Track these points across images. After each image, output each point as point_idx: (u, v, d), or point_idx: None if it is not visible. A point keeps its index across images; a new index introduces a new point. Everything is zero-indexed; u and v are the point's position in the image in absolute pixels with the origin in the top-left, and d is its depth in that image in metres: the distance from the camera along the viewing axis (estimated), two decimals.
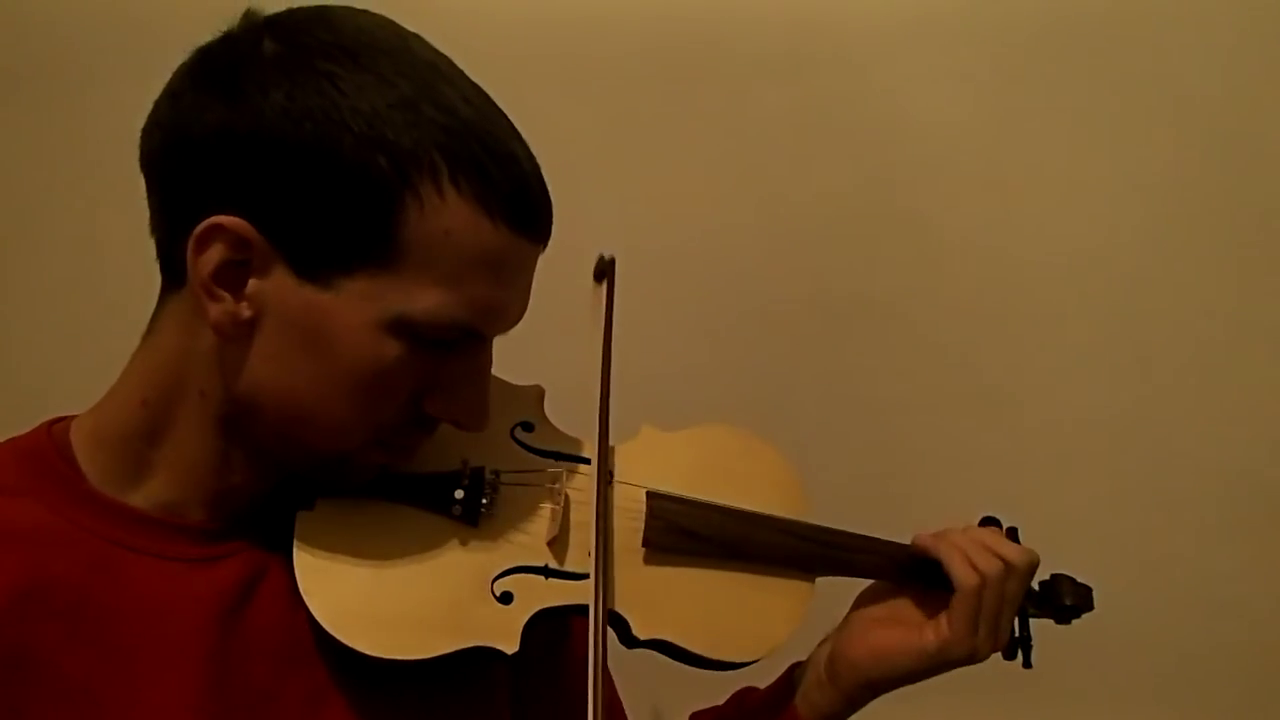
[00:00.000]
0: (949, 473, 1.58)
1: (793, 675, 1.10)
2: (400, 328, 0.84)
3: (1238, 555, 1.61)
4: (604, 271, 1.06)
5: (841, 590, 1.11)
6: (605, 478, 0.98)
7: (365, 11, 0.88)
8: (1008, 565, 1.02)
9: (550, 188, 0.91)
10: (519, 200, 0.86)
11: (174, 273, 0.88)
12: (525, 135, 0.89)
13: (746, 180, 1.64)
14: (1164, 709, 1.61)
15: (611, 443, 1.03)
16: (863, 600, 1.11)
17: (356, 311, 0.83)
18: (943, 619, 1.03)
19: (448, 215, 0.83)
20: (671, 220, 1.62)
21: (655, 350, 1.58)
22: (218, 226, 0.82)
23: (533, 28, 1.63)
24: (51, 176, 1.58)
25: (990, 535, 1.06)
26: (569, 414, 1.06)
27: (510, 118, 0.89)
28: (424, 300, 0.84)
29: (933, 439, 1.62)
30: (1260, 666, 1.61)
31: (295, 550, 0.91)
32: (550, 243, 0.92)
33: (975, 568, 1.02)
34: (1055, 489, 1.58)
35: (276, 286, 0.84)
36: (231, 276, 0.83)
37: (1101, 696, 1.62)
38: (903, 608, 1.08)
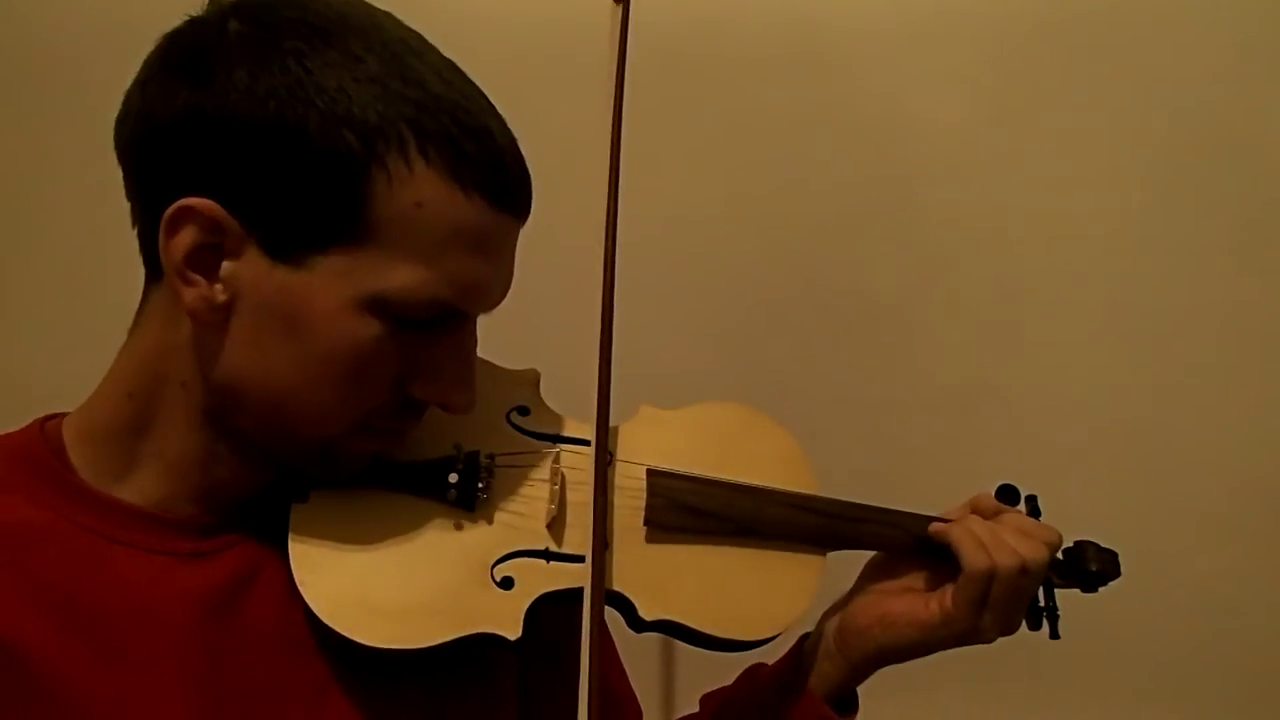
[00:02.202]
0: (948, 472, 1.56)
1: (802, 649, 1.08)
2: (377, 306, 0.83)
3: (1238, 555, 1.59)
4: None
5: (852, 563, 1.09)
6: (603, 451, 0.95)
7: None
8: (1024, 563, 0.99)
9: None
10: (493, 173, 0.85)
11: (154, 264, 0.87)
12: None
13: (746, 179, 1.64)
14: (1163, 708, 1.60)
15: (611, 423, 1.01)
16: (872, 569, 1.09)
17: (332, 291, 0.82)
18: (947, 594, 1.01)
19: (417, 188, 0.81)
20: (671, 219, 1.62)
21: (655, 349, 1.58)
22: (188, 209, 0.81)
23: (533, 27, 1.63)
24: (51, 176, 1.60)
25: (1011, 528, 1.02)
26: (566, 399, 1.04)
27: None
28: (399, 277, 0.82)
29: (932, 438, 1.61)
30: (1260, 666, 1.60)
31: (290, 542, 0.90)
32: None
33: (989, 554, 0.99)
34: (1055, 488, 1.56)
35: (250, 268, 0.83)
36: (204, 260, 0.83)
37: (1101, 695, 1.60)
38: (914, 580, 1.06)
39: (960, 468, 1.56)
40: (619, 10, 1.04)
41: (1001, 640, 1.04)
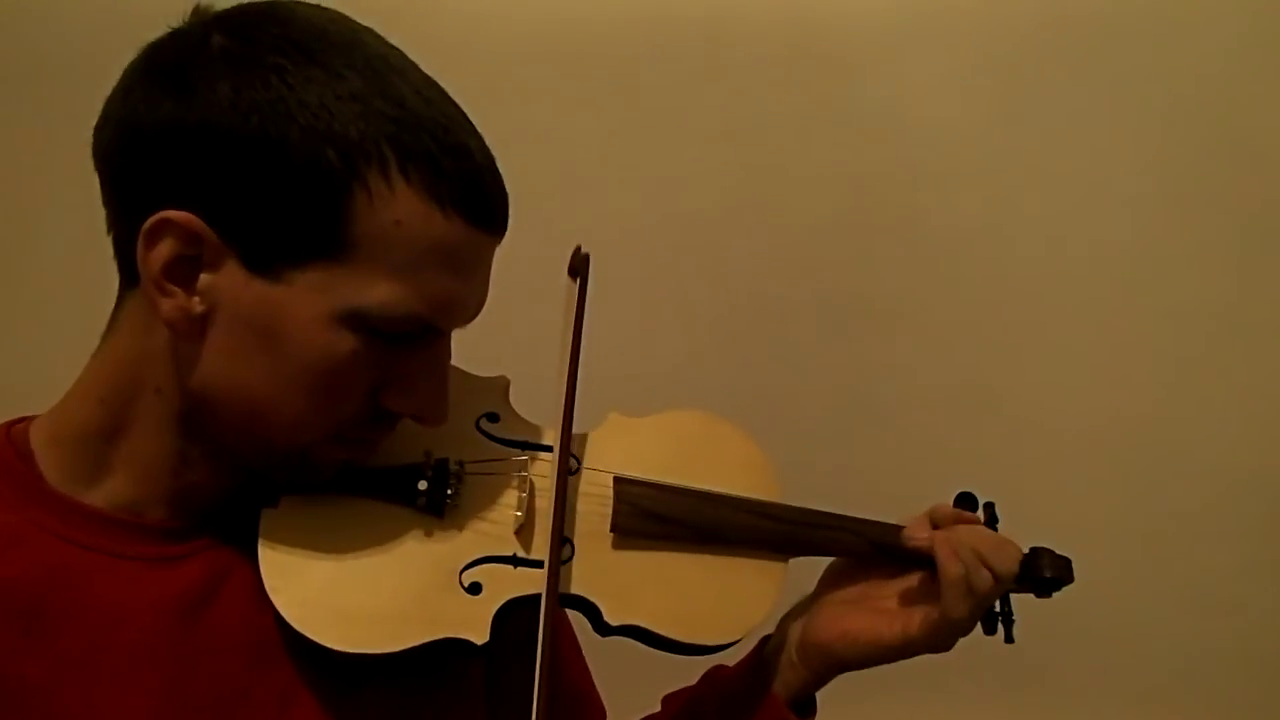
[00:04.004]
0: (947, 470, 1.55)
1: (763, 652, 1.10)
2: (353, 321, 0.84)
3: (1237, 555, 1.61)
4: (578, 268, 1.05)
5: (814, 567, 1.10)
6: (565, 476, 0.97)
7: (317, 6, 0.88)
8: (997, 579, 1.01)
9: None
10: (471, 192, 0.85)
11: (130, 270, 0.87)
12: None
13: (746, 179, 1.65)
14: (1162, 708, 1.62)
15: (579, 430, 1.03)
16: (833, 575, 1.10)
17: (308, 305, 0.83)
18: (914, 618, 1.02)
19: (397, 206, 0.82)
20: (670, 219, 1.62)
21: (653, 349, 1.59)
22: (167, 221, 0.82)
23: (534, 28, 1.63)
24: (51, 176, 1.58)
25: (986, 544, 1.02)
26: (536, 405, 1.05)
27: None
28: (376, 293, 0.83)
29: (931, 437, 1.63)
30: (1259, 666, 1.62)
31: (260, 547, 0.91)
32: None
33: (972, 593, 1.00)
34: (1053, 488, 1.59)
35: (228, 281, 0.83)
36: (183, 272, 0.83)
37: (1100, 696, 1.62)
38: (875, 588, 1.07)
39: (959, 466, 1.56)
40: (575, 285, 1.04)
41: (1004, 642, 1.06)
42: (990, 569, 1.00)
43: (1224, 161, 1.65)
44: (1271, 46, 1.66)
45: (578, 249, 1.05)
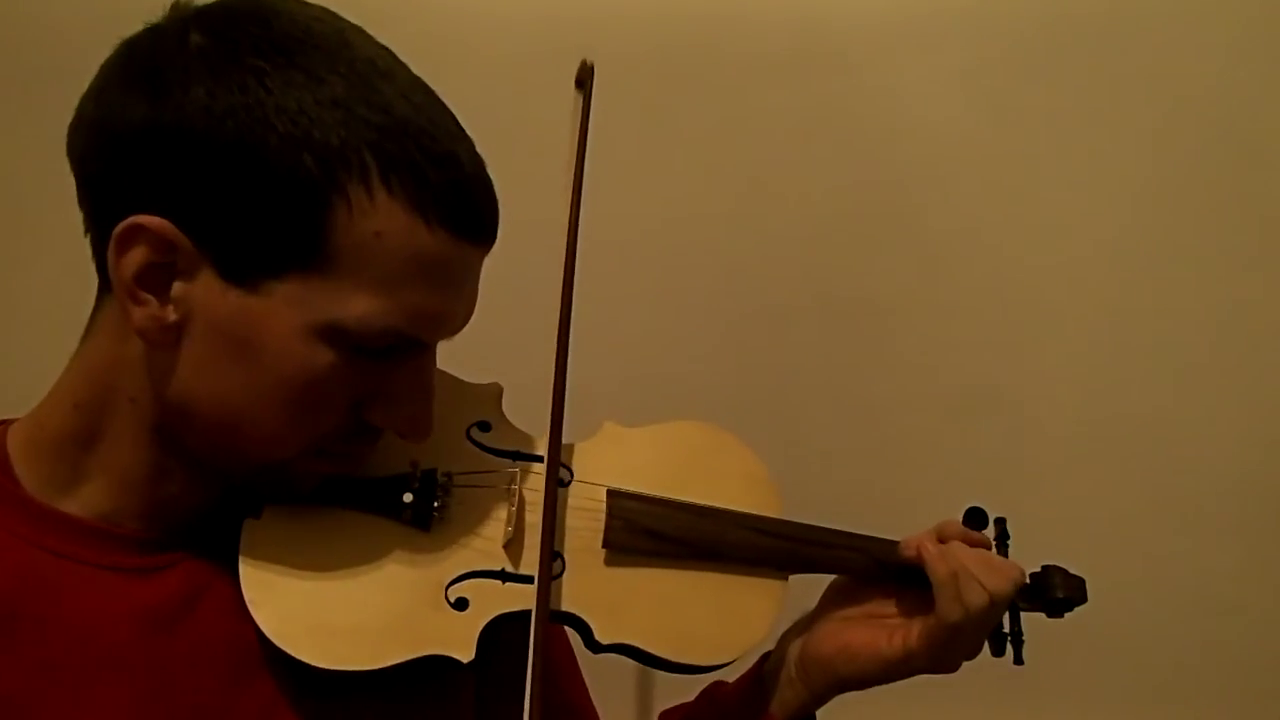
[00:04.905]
0: (947, 473, 1.57)
1: (763, 670, 1.07)
2: (332, 335, 0.81)
3: (1237, 555, 1.61)
4: (584, 79, 1.02)
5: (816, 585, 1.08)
6: (555, 489, 0.94)
7: (303, 3, 0.85)
8: (993, 598, 0.98)
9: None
10: (457, 202, 0.82)
11: (106, 275, 0.84)
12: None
13: (745, 180, 1.64)
14: (1162, 709, 1.60)
15: (572, 440, 1.00)
16: (835, 592, 1.08)
17: (286, 317, 0.80)
18: (912, 631, 1.00)
19: (378, 217, 0.79)
20: (670, 220, 1.61)
21: (654, 350, 1.57)
22: (139, 227, 0.79)
23: (533, 28, 1.61)
24: (52, 176, 1.58)
25: (981, 561, 1.00)
26: (531, 414, 1.02)
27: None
28: (356, 306, 0.80)
29: (931, 439, 1.61)
30: (1260, 666, 1.61)
31: (241, 560, 0.88)
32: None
33: (963, 603, 0.97)
34: (1054, 489, 1.58)
35: (203, 290, 0.80)
36: (156, 279, 0.80)
37: (1100, 697, 1.61)
38: (877, 606, 1.04)
39: (960, 468, 1.57)
40: (580, 96, 1.02)
41: (1013, 663, 1.05)
42: (983, 586, 0.97)
43: (1224, 161, 1.64)
44: (1271, 46, 1.64)
45: (584, 61, 1.03)
